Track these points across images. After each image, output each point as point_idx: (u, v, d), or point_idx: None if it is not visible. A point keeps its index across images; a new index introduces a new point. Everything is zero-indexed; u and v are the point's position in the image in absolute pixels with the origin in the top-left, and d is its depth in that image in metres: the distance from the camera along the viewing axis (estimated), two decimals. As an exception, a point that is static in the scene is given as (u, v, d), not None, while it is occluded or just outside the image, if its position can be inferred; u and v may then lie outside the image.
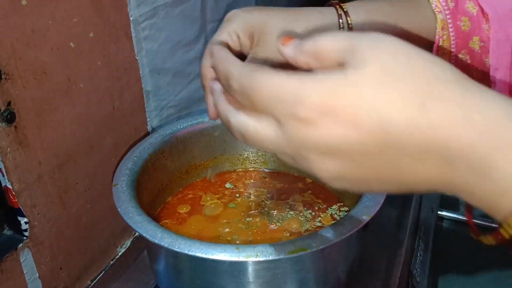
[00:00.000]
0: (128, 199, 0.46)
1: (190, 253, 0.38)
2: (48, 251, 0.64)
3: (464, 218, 0.93)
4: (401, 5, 0.42)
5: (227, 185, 0.63)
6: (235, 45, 0.41)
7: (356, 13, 0.41)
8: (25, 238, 0.61)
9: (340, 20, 0.41)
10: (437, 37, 0.42)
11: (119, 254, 0.80)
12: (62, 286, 0.69)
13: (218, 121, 0.63)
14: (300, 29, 0.40)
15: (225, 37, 0.41)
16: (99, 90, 0.65)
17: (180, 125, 0.60)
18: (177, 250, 0.39)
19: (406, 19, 0.42)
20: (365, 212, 0.43)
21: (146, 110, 0.78)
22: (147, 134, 0.80)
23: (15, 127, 0.56)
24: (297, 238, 0.40)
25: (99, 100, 0.66)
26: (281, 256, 0.38)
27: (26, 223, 0.60)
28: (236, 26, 0.41)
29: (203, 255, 0.38)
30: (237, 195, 0.62)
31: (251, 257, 0.38)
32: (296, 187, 0.63)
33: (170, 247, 0.39)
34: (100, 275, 0.77)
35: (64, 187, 0.65)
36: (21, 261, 0.60)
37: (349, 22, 0.41)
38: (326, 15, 0.41)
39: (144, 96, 0.75)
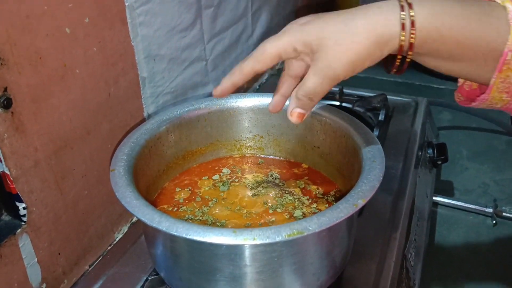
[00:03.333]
0: (125, 184, 0.46)
1: (187, 236, 0.39)
2: (46, 236, 0.65)
3: (459, 203, 0.94)
4: (471, 7, 0.39)
5: (224, 171, 0.64)
6: (288, 55, 0.43)
7: (420, 6, 0.39)
8: (23, 223, 0.61)
9: (402, 13, 0.39)
10: (506, 49, 0.37)
11: (117, 239, 0.81)
12: (61, 271, 0.69)
13: (215, 107, 0.64)
14: (358, 28, 0.39)
15: (279, 46, 0.43)
16: (94, 76, 0.65)
17: (177, 111, 0.60)
18: (175, 234, 0.39)
19: (475, 23, 0.38)
20: (360, 196, 0.43)
21: (142, 97, 0.78)
22: (143, 121, 0.80)
23: (12, 113, 0.56)
24: (294, 221, 0.40)
25: (94, 86, 0.66)
26: (278, 240, 0.38)
27: (24, 208, 0.60)
28: (293, 39, 0.42)
29: (201, 239, 0.39)
30: (235, 180, 0.62)
31: (248, 240, 0.38)
32: (293, 173, 0.63)
33: (168, 231, 0.39)
34: (97, 260, 0.77)
35: (61, 173, 0.65)
36: (19, 246, 0.61)
37: (411, 14, 0.39)
38: (385, 9, 0.40)
39: (140, 82, 0.75)
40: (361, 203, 0.42)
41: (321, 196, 0.58)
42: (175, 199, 0.58)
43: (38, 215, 0.63)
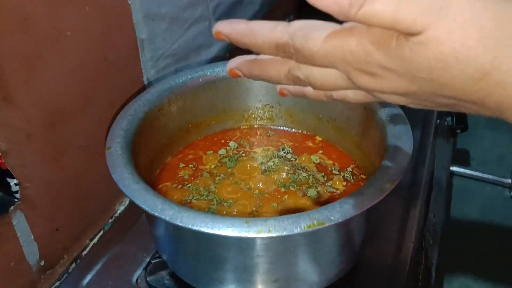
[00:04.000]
0: (123, 164, 0.41)
1: (194, 228, 0.35)
2: (44, 212, 0.62)
3: (475, 174, 0.90)
4: None
5: (231, 144, 0.59)
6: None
7: None
8: (16, 200, 0.58)
9: None
10: None
11: (118, 212, 0.78)
12: (60, 247, 0.67)
13: (221, 74, 0.58)
14: None
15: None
16: (89, 39, 0.60)
17: (179, 79, 0.54)
18: (180, 224, 0.35)
19: None
20: (386, 180, 0.38)
21: (141, 60, 0.73)
22: (143, 86, 0.75)
23: (-3, 82, 0.51)
24: (313, 210, 0.36)
25: (89, 50, 0.60)
26: (296, 232, 0.34)
27: (16, 184, 0.57)
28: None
29: (209, 231, 0.34)
30: (243, 154, 0.57)
31: (262, 232, 0.34)
32: (306, 147, 0.58)
33: (171, 221, 0.35)
34: (98, 234, 0.75)
35: (58, 145, 0.62)
36: (13, 223, 0.58)
37: None
38: None
39: (139, 45, 0.69)
40: (388, 187, 0.38)
41: (337, 173, 0.54)
42: (180, 175, 0.54)
43: (34, 191, 0.59)
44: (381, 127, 0.47)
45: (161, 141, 0.54)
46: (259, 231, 0.34)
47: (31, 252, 0.61)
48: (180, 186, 0.52)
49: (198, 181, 0.53)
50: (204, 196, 0.51)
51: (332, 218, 0.35)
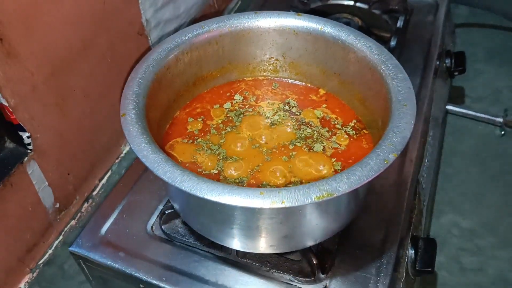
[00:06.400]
0: (140, 132, 0.43)
1: (213, 199, 0.37)
2: (54, 159, 0.65)
3: (469, 112, 0.92)
4: None
5: (236, 97, 0.60)
6: None
7: None
8: (29, 151, 0.60)
9: None
10: None
11: (124, 152, 0.80)
12: (71, 188, 0.70)
13: (226, 29, 0.58)
14: None
15: None
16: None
17: (185, 36, 0.54)
18: (199, 195, 0.37)
19: None
20: (391, 150, 0.41)
21: (139, 1, 0.71)
22: (141, 28, 0.74)
23: (1, 39, 0.51)
24: (322, 181, 0.38)
25: (87, -5, 0.60)
26: (307, 202, 0.37)
27: (28, 137, 0.58)
28: None
29: (226, 202, 0.37)
30: (249, 109, 0.58)
31: (276, 203, 0.37)
32: (310, 100, 0.59)
33: (191, 192, 0.38)
34: (107, 175, 0.77)
35: (62, 94, 0.63)
36: (28, 173, 0.61)
37: None
38: None
39: (137, -14, 0.67)
40: (392, 158, 0.40)
41: (340, 127, 0.56)
42: (189, 130, 0.56)
43: (43, 141, 0.61)
44: (386, 90, 0.48)
45: (169, 97, 0.55)
46: (273, 202, 0.37)
47: (47, 196, 0.65)
48: (190, 141, 0.54)
49: (208, 137, 0.55)
50: (215, 150, 0.53)
51: (340, 189, 0.38)
